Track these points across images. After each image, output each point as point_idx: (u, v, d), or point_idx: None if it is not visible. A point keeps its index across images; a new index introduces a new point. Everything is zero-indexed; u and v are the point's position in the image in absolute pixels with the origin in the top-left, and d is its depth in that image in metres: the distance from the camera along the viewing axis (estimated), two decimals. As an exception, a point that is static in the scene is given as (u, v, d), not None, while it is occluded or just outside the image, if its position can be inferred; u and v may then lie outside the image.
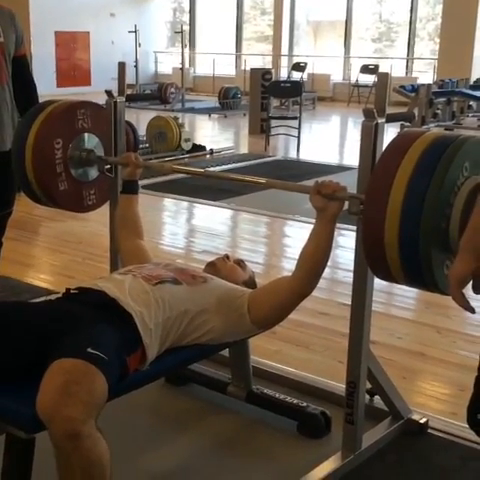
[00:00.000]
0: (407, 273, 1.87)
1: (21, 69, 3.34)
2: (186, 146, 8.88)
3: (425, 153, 1.82)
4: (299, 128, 9.60)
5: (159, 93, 15.11)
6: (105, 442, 1.70)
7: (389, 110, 2.15)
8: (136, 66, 15.57)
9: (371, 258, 1.93)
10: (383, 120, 2.09)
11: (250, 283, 2.52)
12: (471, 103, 13.19)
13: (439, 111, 12.34)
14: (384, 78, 2.18)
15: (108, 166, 2.82)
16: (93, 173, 2.82)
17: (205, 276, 2.32)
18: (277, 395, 2.68)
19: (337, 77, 17.74)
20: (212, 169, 8.11)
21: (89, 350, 1.77)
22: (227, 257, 2.55)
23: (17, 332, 1.93)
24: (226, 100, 14.33)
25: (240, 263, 2.55)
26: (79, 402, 1.65)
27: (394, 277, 1.92)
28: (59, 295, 2.22)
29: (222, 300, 2.23)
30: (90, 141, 2.78)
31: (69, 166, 2.72)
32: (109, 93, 2.78)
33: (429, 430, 2.58)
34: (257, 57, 18.98)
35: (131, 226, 2.60)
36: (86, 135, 2.77)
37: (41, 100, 3.53)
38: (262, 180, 2.59)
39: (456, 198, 1.80)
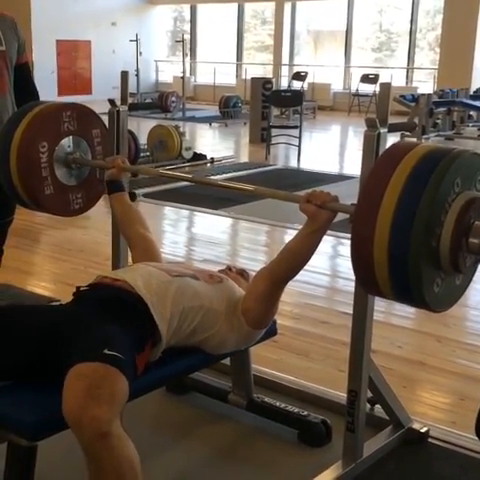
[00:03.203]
0: (396, 291, 1.84)
1: (23, 77, 3.34)
2: (187, 155, 8.90)
3: (415, 169, 1.76)
4: (299, 137, 9.62)
5: (160, 102, 15.16)
6: (131, 441, 1.72)
7: (389, 120, 2.16)
8: (137, 75, 15.62)
9: (359, 274, 1.89)
10: (385, 130, 2.10)
11: None
12: (471, 113, 13.23)
13: (439, 121, 12.37)
14: (386, 88, 2.17)
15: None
16: (80, 176, 2.77)
17: (221, 277, 2.36)
18: (278, 404, 2.68)
19: (337, 86, 17.79)
20: (212, 177, 8.14)
21: (106, 351, 1.79)
22: (229, 269, 2.56)
23: (28, 335, 1.94)
24: (227, 109, 14.37)
25: (243, 273, 2.56)
26: (104, 403, 1.67)
27: (383, 293, 1.89)
28: (62, 302, 2.23)
29: (230, 305, 2.25)
30: (76, 144, 2.73)
31: (55, 170, 2.66)
32: (112, 102, 2.79)
33: (429, 439, 2.58)
34: (258, 66, 19.04)
35: (132, 218, 2.60)
36: (72, 138, 2.71)
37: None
38: (250, 188, 2.57)
39: (447, 216, 1.76)
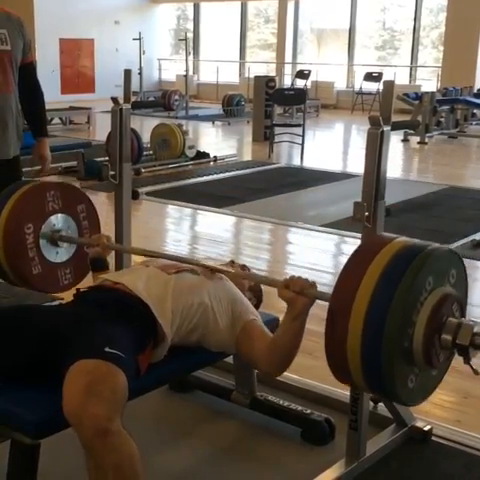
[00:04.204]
0: (372, 389, 1.86)
1: (28, 76, 3.35)
2: (190, 153, 8.89)
3: (387, 269, 1.75)
4: (303, 135, 9.61)
5: (163, 100, 15.15)
6: (132, 440, 1.72)
7: (393, 118, 2.15)
8: (140, 73, 15.61)
9: (335, 372, 1.88)
10: (389, 128, 2.09)
11: (255, 290, 2.54)
12: (475, 111, 13.21)
13: (443, 119, 12.37)
14: (390, 86, 2.17)
15: (112, 172, 2.84)
16: (67, 253, 2.76)
17: (222, 274, 2.35)
18: (281, 402, 2.68)
19: (341, 85, 17.76)
20: (216, 176, 8.14)
21: (107, 349, 1.80)
22: (233, 262, 2.57)
23: (29, 334, 1.95)
24: (230, 107, 14.36)
25: (244, 268, 2.57)
26: (104, 400, 1.68)
27: (359, 388, 1.92)
28: (65, 301, 2.24)
29: (229, 309, 2.26)
30: (62, 221, 2.72)
31: (41, 249, 2.65)
32: (115, 100, 2.79)
33: (433, 437, 2.58)
34: (261, 65, 19.02)
35: None
36: (58, 216, 2.70)
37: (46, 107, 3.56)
38: (232, 270, 2.47)
39: (419, 315, 1.75)
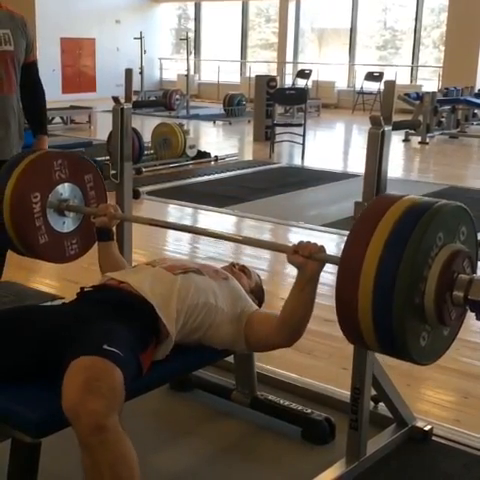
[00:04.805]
0: (383, 348, 1.85)
1: (30, 75, 3.35)
2: (191, 153, 8.89)
3: (397, 225, 1.75)
4: (304, 135, 9.61)
5: (164, 100, 15.15)
6: (129, 439, 1.72)
7: (394, 118, 2.15)
8: (141, 73, 15.61)
9: (346, 332, 1.88)
10: (389, 128, 2.10)
11: (257, 291, 2.54)
12: (476, 111, 13.20)
13: (444, 119, 12.36)
14: (391, 86, 2.17)
15: (113, 172, 2.84)
16: (74, 223, 2.76)
17: (226, 274, 2.36)
18: (282, 401, 2.68)
19: (342, 84, 17.77)
20: (217, 176, 8.15)
21: (105, 347, 1.81)
22: (233, 265, 2.57)
23: (30, 334, 1.95)
24: (231, 107, 14.36)
25: (244, 270, 2.57)
26: (101, 397, 1.68)
27: (370, 349, 1.90)
28: (67, 300, 2.25)
29: (234, 306, 2.27)
30: (69, 191, 2.72)
31: (48, 218, 2.66)
32: (116, 99, 2.79)
33: (433, 437, 2.58)
34: (262, 64, 19.03)
35: (114, 268, 2.54)
36: (65, 185, 2.70)
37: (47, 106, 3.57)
38: (239, 238, 2.54)
39: (430, 271, 1.75)
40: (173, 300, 2.14)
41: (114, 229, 2.67)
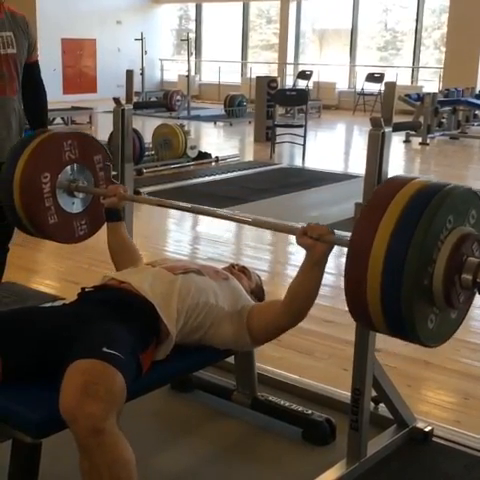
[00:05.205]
0: (391, 329, 1.85)
1: (32, 75, 3.35)
2: (192, 153, 8.90)
3: (407, 208, 1.75)
4: (304, 136, 9.62)
5: (165, 100, 15.16)
6: (126, 441, 1.72)
7: (394, 119, 2.15)
8: (142, 73, 15.63)
9: (354, 312, 1.88)
10: (390, 129, 2.10)
11: (257, 292, 2.54)
12: (477, 112, 13.21)
13: (444, 120, 12.36)
14: (391, 87, 2.17)
15: (114, 173, 2.84)
16: (83, 203, 2.77)
17: (227, 274, 2.36)
18: (282, 402, 2.68)
19: (342, 85, 17.77)
20: (217, 176, 8.15)
21: (105, 349, 1.80)
22: (233, 266, 2.57)
23: (30, 334, 1.95)
24: (232, 108, 14.36)
25: (244, 271, 2.57)
26: (99, 400, 1.68)
27: (378, 330, 1.91)
28: (68, 300, 2.25)
29: (235, 305, 2.27)
30: (78, 172, 2.73)
31: (58, 199, 2.67)
32: (117, 100, 2.79)
33: (434, 438, 2.58)
34: (263, 65, 19.04)
35: (123, 252, 2.60)
36: (74, 166, 2.71)
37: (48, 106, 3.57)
38: (249, 219, 2.56)
39: (439, 254, 1.75)
40: (174, 300, 2.14)
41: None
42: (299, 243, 2.06)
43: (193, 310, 2.17)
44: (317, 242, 2.02)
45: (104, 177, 2.81)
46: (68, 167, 2.69)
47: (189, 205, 2.82)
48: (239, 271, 2.54)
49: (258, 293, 2.54)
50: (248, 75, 17.70)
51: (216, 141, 11.88)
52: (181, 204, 2.88)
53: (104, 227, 2.69)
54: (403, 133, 11.39)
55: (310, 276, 2.09)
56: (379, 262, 1.73)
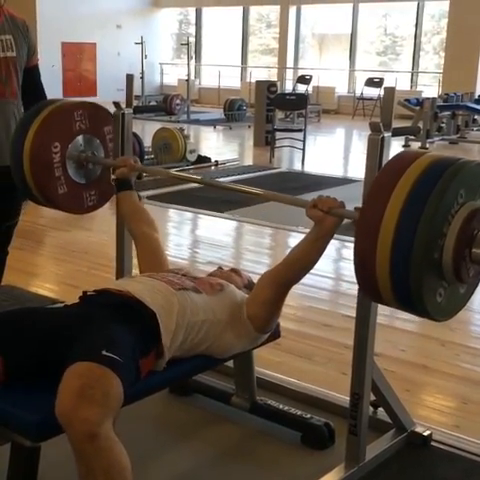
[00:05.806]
0: (399, 301, 1.84)
1: (32, 80, 3.35)
2: (191, 157, 8.91)
3: (419, 180, 1.75)
4: (304, 140, 9.63)
5: (164, 104, 15.19)
6: (122, 445, 1.71)
7: (394, 123, 2.16)
8: (142, 77, 15.65)
9: (362, 283, 1.89)
10: (389, 134, 2.10)
11: (251, 286, 2.53)
12: (476, 117, 13.22)
13: (444, 125, 12.38)
14: (390, 92, 2.18)
15: (114, 177, 2.84)
16: (93, 174, 2.78)
17: (222, 284, 2.35)
18: (281, 406, 2.68)
19: (342, 90, 17.80)
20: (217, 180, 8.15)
21: (104, 353, 1.78)
22: (220, 269, 2.59)
23: (30, 334, 1.95)
24: (231, 112, 14.38)
25: (235, 271, 2.57)
26: (95, 404, 1.67)
27: (386, 302, 1.90)
28: (67, 303, 2.25)
29: (234, 311, 2.25)
30: (89, 142, 2.74)
31: (68, 169, 2.68)
32: (117, 104, 2.80)
33: (432, 443, 2.58)
34: (262, 69, 19.07)
35: (138, 217, 2.62)
36: (84, 136, 2.72)
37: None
38: (258, 191, 2.58)
39: (450, 227, 1.76)
40: (173, 313, 2.10)
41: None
42: (308, 215, 2.07)
43: (192, 327, 2.14)
44: (326, 215, 2.03)
45: (114, 148, 2.80)
46: (78, 137, 2.70)
47: (199, 177, 2.80)
48: (229, 271, 2.54)
49: (251, 287, 2.53)
50: (248, 79, 17.75)
51: (215, 145, 11.90)
52: (192, 176, 2.89)
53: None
54: (402, 138, 11.40)
55: (314, 245, 2.10)
56: (389, 235, 1.73)
